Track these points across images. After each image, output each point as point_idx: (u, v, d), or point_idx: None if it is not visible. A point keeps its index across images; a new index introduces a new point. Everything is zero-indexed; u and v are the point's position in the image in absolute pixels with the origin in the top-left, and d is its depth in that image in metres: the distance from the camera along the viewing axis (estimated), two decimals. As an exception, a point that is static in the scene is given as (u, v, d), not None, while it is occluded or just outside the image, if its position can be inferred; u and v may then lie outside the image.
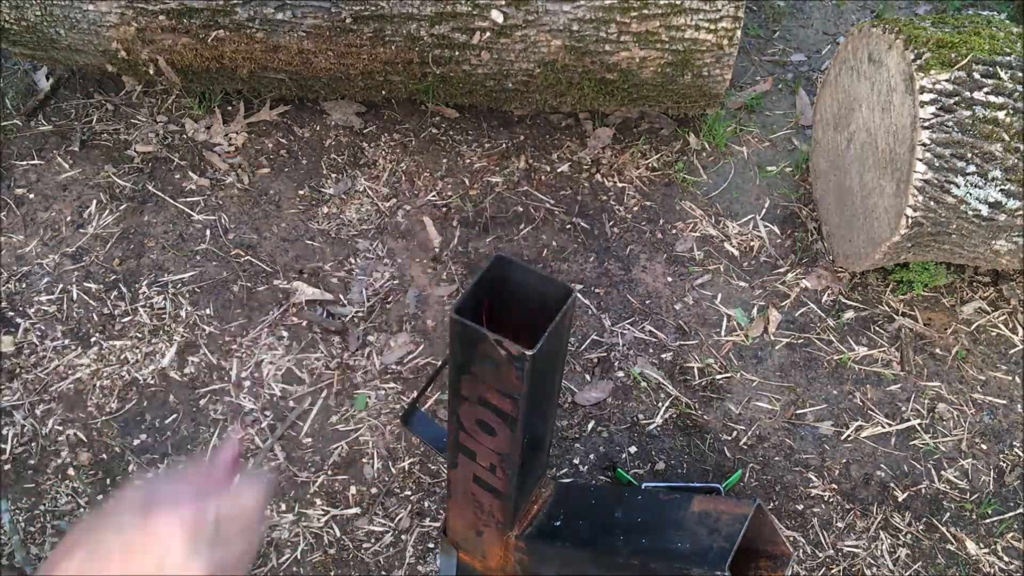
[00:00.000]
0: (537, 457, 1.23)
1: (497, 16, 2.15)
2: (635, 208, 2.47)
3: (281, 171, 2.50)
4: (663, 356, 2.19)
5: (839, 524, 1.96)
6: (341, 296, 2.25)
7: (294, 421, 2.03)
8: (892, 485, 2.02)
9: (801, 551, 1.92)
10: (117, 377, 2.08)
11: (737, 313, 2.27)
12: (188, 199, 2.41)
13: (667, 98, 2.40)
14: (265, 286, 2.25)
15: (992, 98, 1.88)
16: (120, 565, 0.61)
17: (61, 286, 2.22)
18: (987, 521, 1.98)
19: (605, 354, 2.18)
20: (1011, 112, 1.87)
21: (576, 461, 2.02)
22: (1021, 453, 2.08)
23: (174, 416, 2.02)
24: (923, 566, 1.91)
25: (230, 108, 2.61)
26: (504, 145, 2.58)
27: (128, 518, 0.63)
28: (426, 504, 1.94)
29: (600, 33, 2.17)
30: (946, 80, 1.88)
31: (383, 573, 1.85)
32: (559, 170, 2.53)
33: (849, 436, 2.08)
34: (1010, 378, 2.20)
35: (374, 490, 1.96)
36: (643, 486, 1.92)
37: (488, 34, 2.19)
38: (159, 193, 2.42)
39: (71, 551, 0.62)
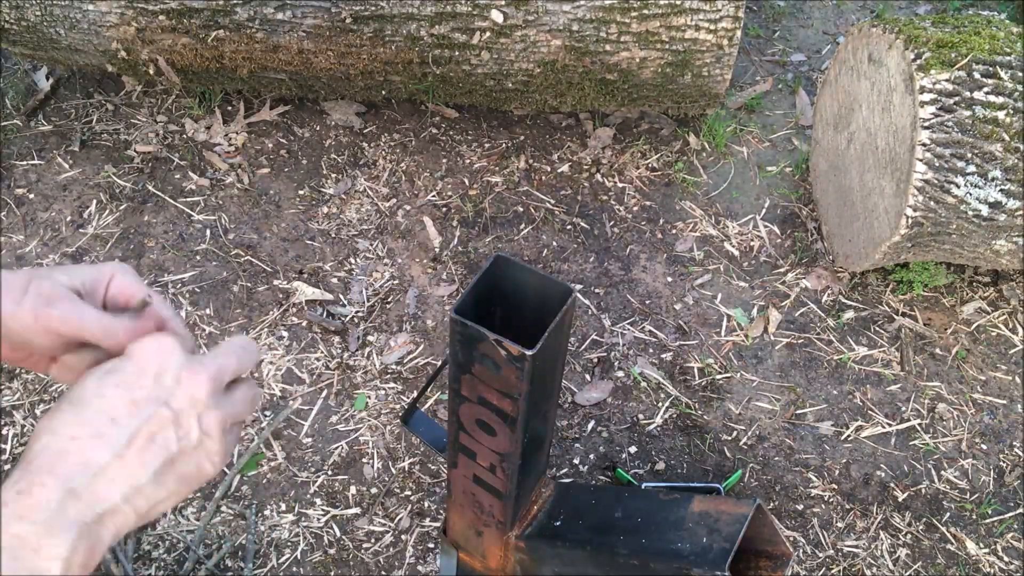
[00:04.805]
0: (537, 457, 1.23)
1: (497, 16, 2.15)
2: (635, 208, 2.47)
3: (281, 171, 2.50)
4: (663, 356, 2.19)
5: (839, 524, 1.96)
6: (341, 296, 2.25)
7: (290, 418, 2.03)
8: (892, 485, 2.01)
9: (801, 551, 1.92)
10: (117, 377, 2.07)
11: (737, 313, 2.27)
12: (188, 199, 2.41)
13: (667, 98, 2.40)
14: (265, 286, 2.25)
15: (992, 98, 1.88)
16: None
17: (61, 286, 2.22)
18: (987, 521, 1.98)
19: (605, 354, 2.18)
20: (1011, 112, 1.87)
21: (576, 461, 2.02)
22: (1021, 453, 2.08)
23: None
24: (923, 566, 1.91)
25: (230, 108, 2.61)
26: (504, 145, 2.58)
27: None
28: (426, 504, 1.94)
29: (600, 33, 2.17)
30: (946, 80, 1.88)
31: (383, 573, 1.85)
32: (559, 170, 2.53)
33: (849, 436, 2.08)
34: (1010, 378, 2.20)
35: (374, 490, 1.96)
36: (643, 486, 1.92)
37: (488, 34, 2.19)
38: (159, 193, 2.42)
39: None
